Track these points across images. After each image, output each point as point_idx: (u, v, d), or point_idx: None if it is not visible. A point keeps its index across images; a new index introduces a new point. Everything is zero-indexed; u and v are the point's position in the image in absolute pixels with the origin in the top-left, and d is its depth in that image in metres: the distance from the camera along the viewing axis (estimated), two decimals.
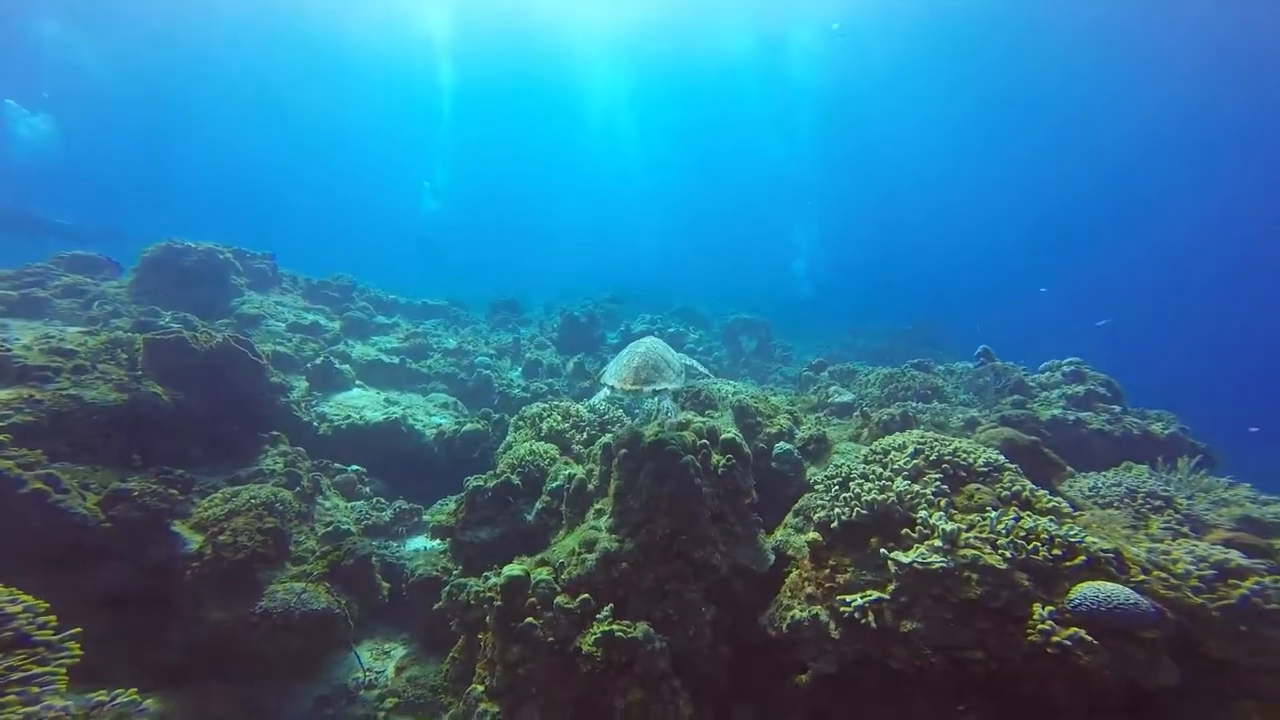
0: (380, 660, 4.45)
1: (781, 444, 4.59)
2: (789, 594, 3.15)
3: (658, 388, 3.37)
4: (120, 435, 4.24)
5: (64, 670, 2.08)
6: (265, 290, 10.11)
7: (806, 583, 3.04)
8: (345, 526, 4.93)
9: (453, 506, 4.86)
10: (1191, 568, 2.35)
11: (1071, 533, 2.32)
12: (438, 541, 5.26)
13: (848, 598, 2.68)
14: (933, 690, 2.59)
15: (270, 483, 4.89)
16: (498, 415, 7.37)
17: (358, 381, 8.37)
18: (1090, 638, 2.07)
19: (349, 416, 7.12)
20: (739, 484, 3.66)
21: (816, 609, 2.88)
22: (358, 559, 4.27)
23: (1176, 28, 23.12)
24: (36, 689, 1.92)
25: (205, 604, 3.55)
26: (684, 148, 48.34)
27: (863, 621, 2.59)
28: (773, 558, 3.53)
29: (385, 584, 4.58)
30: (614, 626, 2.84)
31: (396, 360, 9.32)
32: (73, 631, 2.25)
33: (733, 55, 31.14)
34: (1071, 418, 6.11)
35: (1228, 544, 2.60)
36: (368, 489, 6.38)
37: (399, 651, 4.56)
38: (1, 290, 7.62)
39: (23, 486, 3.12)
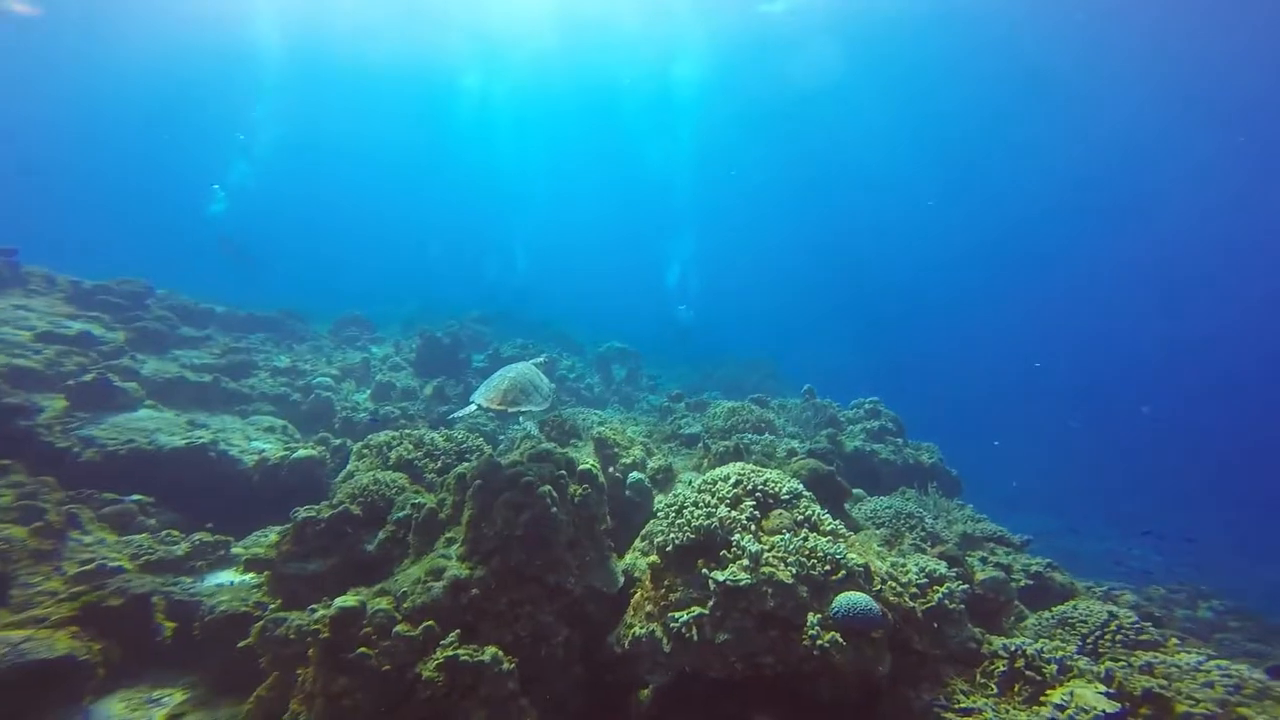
0: (140, 711, 3.77)
1: (634, 474, 4.99)
2: (632, 613, 3.43)
3: (523, 409, 3.56)
4: None
5: None
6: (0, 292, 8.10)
7: (647, 602, 3.35)
8: (114, 564, 4.17)
9: (274, 538, 4.39)
10: (914, 576, 3.15)
11: (838, 551, 2.97)
12: (250, 576, 4.68)
13: (677, 614, 3.04)
14: (737, 694, 3.05)
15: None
16: (338, 441, 6.78)
17: (148, 401, 7.09)
18: (841, 639, 2.68)
19: (131, 440, 6.05)
20: (593, 512, 3.92)
21: (653, 625, 3.19)
22: (130, 597, 3.66)
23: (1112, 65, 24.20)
24: None
25: None
26: (564, 158, 44.94)
27: (687, 635, 2.96)
28: (622, 580, 3.81)
29: (170, 624, 3.94)
30: (459, 651, 2.87)
31: (207, 378, 8.06)
32: None
33: (618, 68, 30.04)
34: (868, 449, 7.50)
35: (941, 556, 3.52)
36: (153, 520, 5.44)
37: (177, 697, 3.92)
38: None
39: None
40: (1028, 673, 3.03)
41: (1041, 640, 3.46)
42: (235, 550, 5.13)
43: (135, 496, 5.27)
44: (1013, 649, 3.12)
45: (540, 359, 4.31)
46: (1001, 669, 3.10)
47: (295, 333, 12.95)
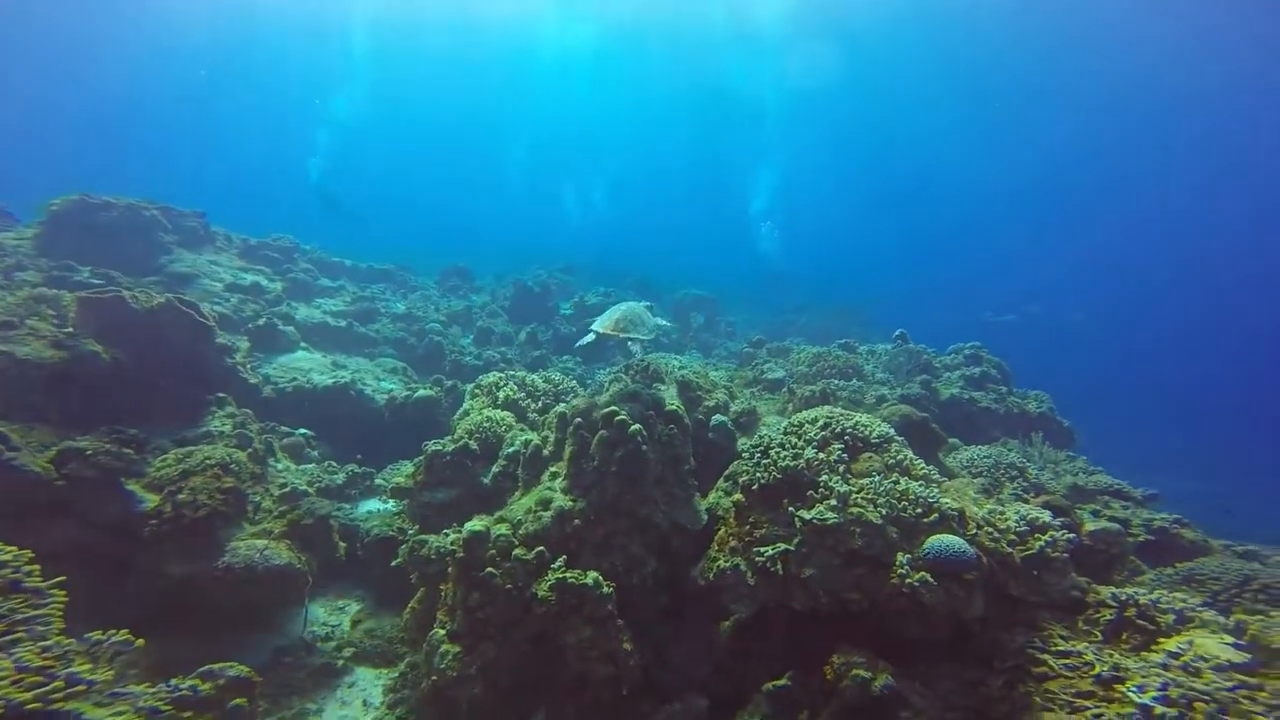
0: (336, 616, 4.73)
1: (718, 416, 5.12)
2: (716, 548, 3.66)
3: (631, 336, 4.24)
4: (59, 394, 4.15)
5: (59, 613, 2.27)
6: (197, 249, 9.53)
7: (731, 538, 3.56)
8: (302, 488, 5.07)
9: (410, 469, 5.11)
10: (1013, 524, 3.06)
11: (931, 495, 2.95)
12: (391, 504, 5.50)
13: (762, 549, 3.22)
14: (823, 625, 3.21)
15: (221, 444, 4.93)
16: (450, 382, 7.53)
17: (302, 344, 8.22)
18: (932, 579, 2.71)
19: (295, 379, 7.08)
20: (680, 452, 4.13)
21: (738, 559, 3.40)
22: (317, 519, 4.48)
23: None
24: (41, 628, 2.10)
25: (166, 559, 3.68)
26: (646, 97, 43.64)
27: (772, 569, 3.14)
28: (706, 518, 4.04)
29: (342, 543, 4.81)
30: (567, 574, 3.28)
31: (343, 324, 9.17)
32: (57, 579, 2.42)
33: (708, 18, 29.19)
34: (967, 396, 7.07)
35: (1045, 506, 3.36)
36: (316, 452, 6.46)
37: (354, 607, 4.85)
38: None
39: None
40: (1139, 621, 2.90)
41: (1159, 591, 3.27)
42: (377, 480, 6.01)
43: (302, 430, 6.29)
44: (1122, 598, 2.98)
45: (648, 305, 4.89)
46: (1109, 617, 2.99)
47: (407, 283, 14.19)
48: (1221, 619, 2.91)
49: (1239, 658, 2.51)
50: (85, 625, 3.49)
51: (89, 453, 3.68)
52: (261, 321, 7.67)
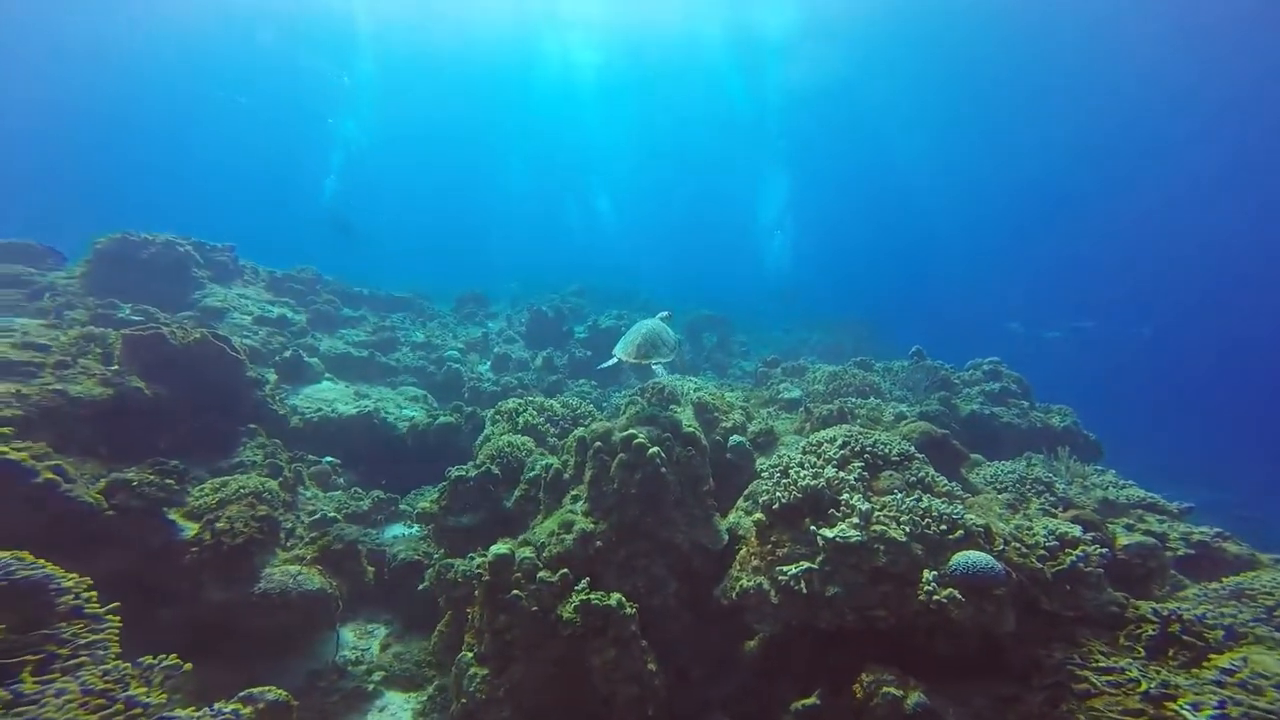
0: (365, 639, 4.80)
1: (735, 437, 5.16)
2: (738, 567, 3.66)
3: (653, 361, 4.29)
4: (105, 428, 4.37)
5: (115, 637, 2.38)
6: (228, 283, 9.98)
7: (753, 557, 3.57)
8: (330, 514, 5.20)
9: (434, 495, 5.21)
10: (1041, 539, 3.04)
11: (955, 511, 2.94)
12: (417, 528, 5.60)
13: (785, 568, 3.23)
14: (849, 644, 3.19)
15: (254, 473, 5.11)
16: (470, 409, 7.67)
17: (326, 375, 8.48)
18: (960, 595, 2.70)
19: (320, 409, 7.29)
20: (698, 473, 4.18)
21: (760, 579, 3.41)
22: (346, 544, 4.59)
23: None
24: (101, 652, 2.22)
25: (205, 585, 3.81)
26: (652, 122, 43.33)
27: (796, 588, 3.15)
28: (726, 537, 4.05)
29: (370, 568, 4.90)
30: (591, 596, 3.32)
31: (365, 354, 9.44)
32: (112, 606, 2.54)
33: (708, 41, 29.53)
34: (987, 411, 6.99)
35: (1075, 520, 3.32)
36: (342, 480, 6.62)
37: (382, 631, 4.92)
38: None
39: (35, 477, 3.29)
40: (1185, 637, 2.82)
41: (1204, 607, 3.18)
42: (402, 506, 6.13)
43: (328, 459, 6.47)
44: (1165, 613, 2.91)
45: (664, 314, 4.87)
46: (1151, 633, 2.92)
47: (425, 311, 14.57)
48: (1277, 635, 2.82)
49: None
50: (132, 652, 3.64)
51: (135, 484, 3.86)
52: (288, 354, 7.96)
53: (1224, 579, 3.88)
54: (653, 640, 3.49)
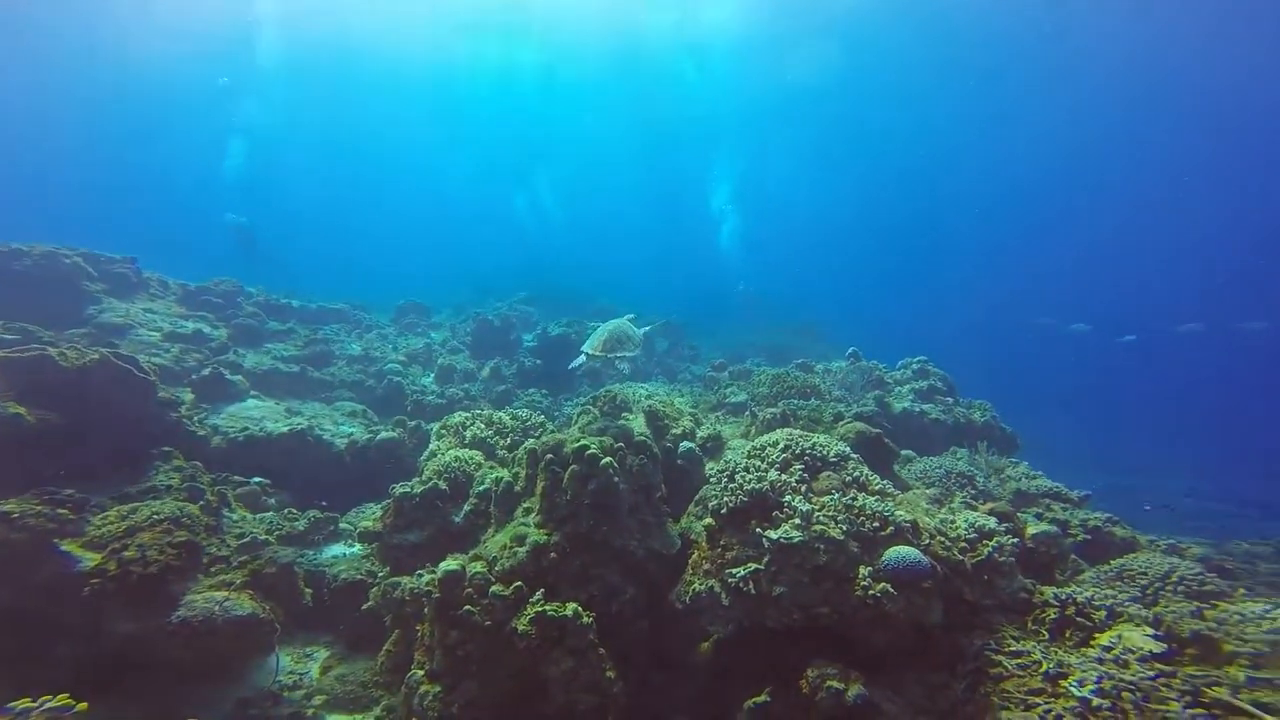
0: (303, 663, 4.53)
1: (685, 443, 5.28)
2: (691, 571, 3.76)
3: (619, 355, 4.55)
4: None
5: None
6: (129, 297, 9.13)
7: (704, 561, 3.67)
8: (261, 537, 4.89)
9: (378, 512, 5.00)
10: (963, 531, 3.32)
11: (887, 508, 3.17)
12: (359, 547, 5.36)
13: (734, 570, 3.34)
14: (797, 641, 3.35)
15: (169, 498, 4.72)
16: (414, 423, 7.41)
17: (253, 392, 7.95)
18: (893, 589, 2.91)
19: (246, 429, 6.84)
20: (651, 481, 4.25)
21: (712, 581, 3.51)
22: (280, 567, 4.33)
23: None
24: None
25: (112, 617, 3.49)
26: (593, 118, 41.92)
27: (745, 589, 3.27)
28: (679, 542, 4.15)
29: (308, 590, 4.64)
30: (546, 607, 3.31)
31: (296, 369, 8.91)
32: None
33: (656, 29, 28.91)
34: (917, 409, 7.50)
35: (991, 513, 3.65)
36: (273, 500, 6.23)
37: (322, 654, 4.67)
38: None
39: None
40: (1078, 619, 3.16)
41: (1094, 589, 3.57)
42: (342, 525, 5.84)
43: (256, 479, 6.05)
44: (1063, 597, 3.25)
45: (630, 316, 5.12)
46: (1053, 616, 3.25)
47: (361, 322, 13.88)
48: (1144, 612, 3.21)
49: (1158, 647, 2.79)
50: (31, 690, 3.27)
51: (15, 515, 3.49)
52: (206, 371, 7.41)
53: (1111, 561, 4.36)
54: (611, 648, 3.51)
